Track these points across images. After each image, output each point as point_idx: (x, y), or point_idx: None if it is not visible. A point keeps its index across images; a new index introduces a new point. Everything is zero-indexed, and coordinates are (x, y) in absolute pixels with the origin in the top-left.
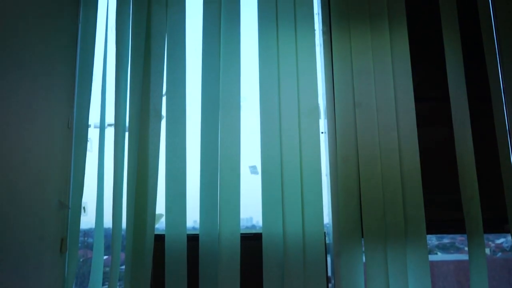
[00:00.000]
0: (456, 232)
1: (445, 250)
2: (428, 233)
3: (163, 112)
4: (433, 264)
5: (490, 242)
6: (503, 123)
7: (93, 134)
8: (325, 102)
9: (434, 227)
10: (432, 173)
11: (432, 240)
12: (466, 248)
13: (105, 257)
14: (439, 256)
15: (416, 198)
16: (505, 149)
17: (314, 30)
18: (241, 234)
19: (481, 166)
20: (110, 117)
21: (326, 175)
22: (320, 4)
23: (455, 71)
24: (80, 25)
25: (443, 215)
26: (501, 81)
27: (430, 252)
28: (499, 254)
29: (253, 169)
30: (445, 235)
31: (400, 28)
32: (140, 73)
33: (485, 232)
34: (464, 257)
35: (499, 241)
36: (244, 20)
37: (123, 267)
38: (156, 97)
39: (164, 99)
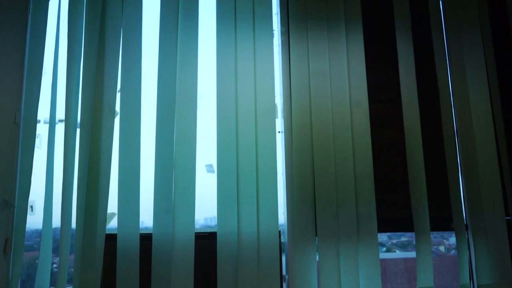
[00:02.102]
0: (405, 230)
1: (403, 248)
2: (379, 231)
3: (117, 109)
4: (390, 261)
5: (444, 240)
6: (451, 125)
7: (42, 130)
8: (282, 101)
9: (385, 226)
10: (383, 173)
11: (392, 238)
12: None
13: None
14: (397, 254)
15: (368, 197)
16: (452, 150)
17: (272, 30)
18: (196, 233)
19: (429, 167)
20: (61, 113)
21: (282, 174)
22: (279, 5)
23: (407, 75)
24: (30, 16)
25: (393, 214)
26: (450, 85)
27: (389, 250)
28: (453, 251)
29: (209, 167)
30: (404, 233)
31: (356, 32)
32: (94, 68)
33: (432, 230)
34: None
35: (453, 239)
36: (202, 17)
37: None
38: (110, 93)
39: (118, 95)
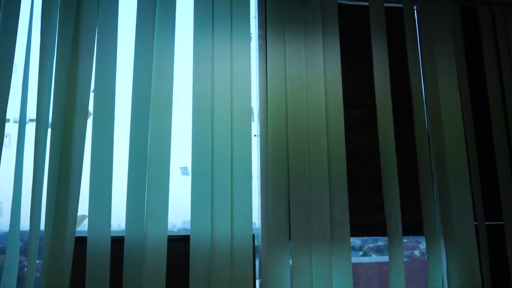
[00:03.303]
0: (378, 234)
1: (380, 252)
2: (352, 235)
3: (90, 109)
4: (367, 265)
5: (419, 245)
6: (424, 132)
7: (12, 129)
8: (258, 105)
9: (358, 230)
10: (357, 178)
11: (369, 242)
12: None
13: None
14: (373, 258)
15: (342, 201)
16: (424, 157)
17: (250, 33)
18: (169, 236)
19: (402, 172)
20: (31, 112)
21: (258, 177)
22: (257, 8)
23: (381, 81)
24: (1, 12)
25: (367, 218)
26: (423, 93)
27: (365, 254)
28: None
29: (184, 170)
30: (381, 237)
31: (333, 37)
32: (67, 67)
33: (404, 234)
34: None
35: None
36: (180, 18)
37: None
38: (83, 93)
39: (92, 95)
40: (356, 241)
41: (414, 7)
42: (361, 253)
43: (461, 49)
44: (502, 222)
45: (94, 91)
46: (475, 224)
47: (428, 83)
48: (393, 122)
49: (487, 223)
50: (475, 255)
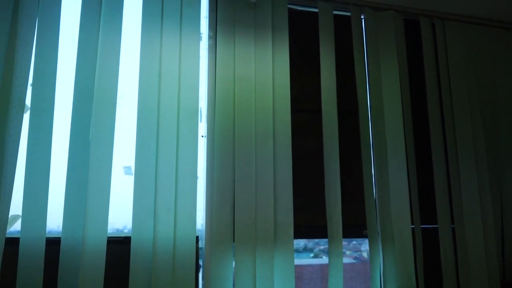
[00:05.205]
0: (320, 237)
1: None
2: (295, 237)
3: (28, 103)
4: (316, 267)
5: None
6: (368, 137)
7: None
8: (206, 105)
9: (302, 232)
10: (302, 181)
11: (320, 244)
12: (348, 252)
13: None
14: (324, 260)
15: (286, 203)
16: (367, 161)
17: (200, 33)
18: (109, 237)
19: (345, 175)
20: None
21: (203, 178)
22: (208, 8)
23: (328, 87)
24: None
25: (310, 221)
26: (368, 98)
27: (316, 256)
28: None
29: (127, 169)
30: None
31: (282, 41)
32: (2, 58)
33: (345, 237)
34: (345, 260)
35: None
36: (127, 13)
37: None
38: (20, 86)
39: (30, 89)
40: (309, 243)
41: (362, 16)
42: (312, 255)
43: (404, 57)
44: (437, 226)
45: (33, 85)
46: (412, 227)
47: (372, 89)
48: (337, 126)
49: (422, 226)
50: (411, 257)
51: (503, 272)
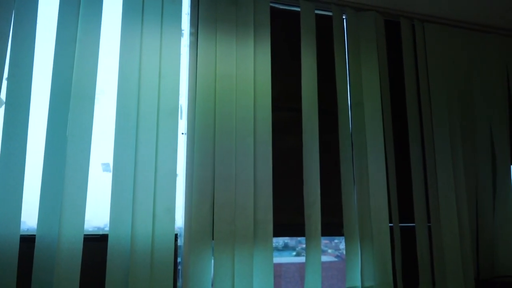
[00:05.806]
0: (299, 235)
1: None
2: (275, 236)
3: (3, 97)
4: (300, 265)
5: None
6: (348, 137)
7: None
8: (187, 102)
9: (281, 231)
10: (282, 179)
11: (302, 242)
12: (330, 251)
13: None
14: (297, 258)
15: (266, 202)
16: (347, 160)
17: (181, 29)
18: (85, 235)
19: (324, 174)
20: None
21: (183, 176)
22: (190, 4)
23: (309, 86)
24: None
25: (290, 219)
26: (348, 97)
27: (298, 254)
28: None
29: (105, 166)
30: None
31: (264, 39)
32: None
33: (323, 235)
34: (327, 258)
35: None
36: (107, 7)
37: None
38: None
39: (5, 82)
40: (291, 241)
41: (343, 16)
42: (294, 253)
43: (384, 57)
44: (414, 224)
45: (8, 78)
46: (391, 226)
47: (353, 88)
48: (318, 125)
49: (401, 225)
50: (389, 255)
51: (477, 270)
